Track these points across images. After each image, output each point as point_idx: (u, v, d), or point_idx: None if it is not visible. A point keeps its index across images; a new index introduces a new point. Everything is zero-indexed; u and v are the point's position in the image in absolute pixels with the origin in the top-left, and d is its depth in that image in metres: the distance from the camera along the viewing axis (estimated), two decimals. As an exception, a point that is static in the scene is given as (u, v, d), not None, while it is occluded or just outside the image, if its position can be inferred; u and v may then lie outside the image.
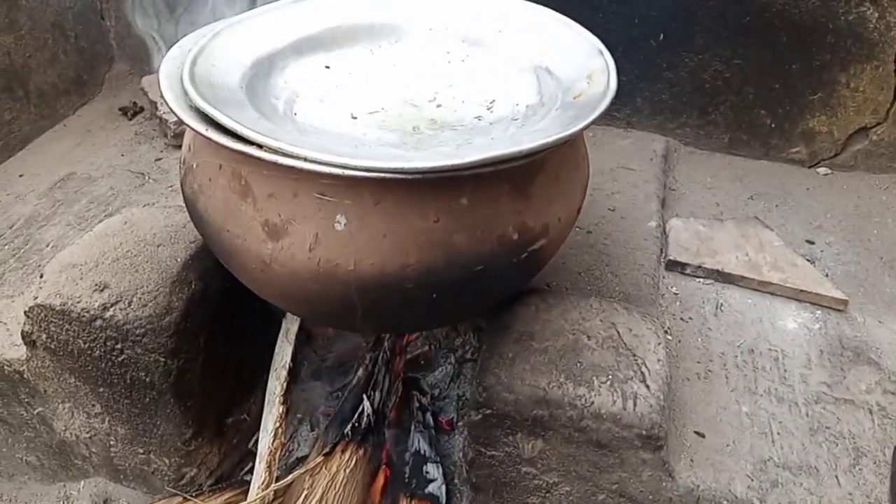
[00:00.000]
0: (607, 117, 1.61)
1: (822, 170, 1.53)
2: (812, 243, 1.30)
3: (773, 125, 1.51)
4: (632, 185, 1.39)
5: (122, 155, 1.52)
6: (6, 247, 1.24)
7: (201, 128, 0.72)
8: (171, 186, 1.39)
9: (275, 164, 0.69)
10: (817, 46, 1.40)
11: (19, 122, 1.54)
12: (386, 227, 0.74)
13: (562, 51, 0.96)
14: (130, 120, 1.66)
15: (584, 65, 0.91)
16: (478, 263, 0.77)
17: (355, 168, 0.67)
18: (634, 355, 0.86)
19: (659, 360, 0.86)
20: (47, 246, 1.24)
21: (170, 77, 0.80)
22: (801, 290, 1.14)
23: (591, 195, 1.31)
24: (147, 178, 1.43)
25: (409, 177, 0.69)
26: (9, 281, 1.16)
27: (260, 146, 0.69)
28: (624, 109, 1.59)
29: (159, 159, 1.50)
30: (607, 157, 1.48)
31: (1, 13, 1.45)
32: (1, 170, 1.48)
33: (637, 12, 1.46)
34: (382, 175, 0.68)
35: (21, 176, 1.46)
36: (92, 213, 1.32)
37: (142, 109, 1.68)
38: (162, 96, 0.77)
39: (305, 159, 0.68)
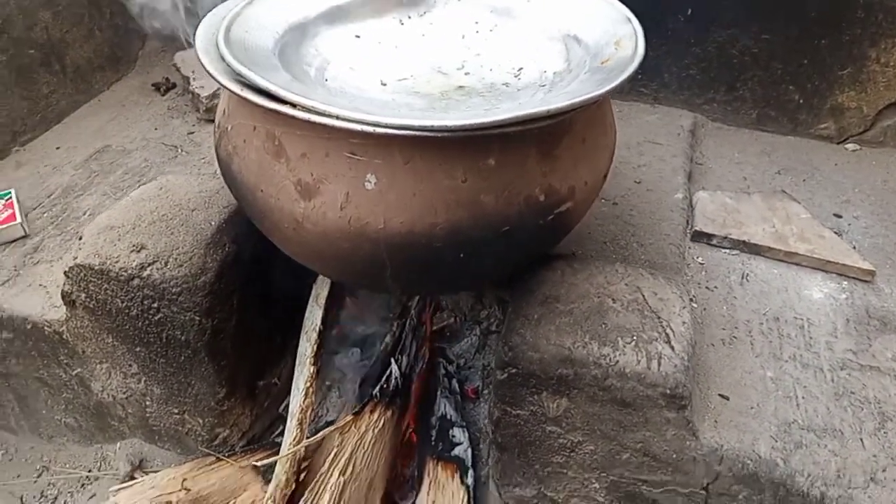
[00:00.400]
0: (634, 92, 1.61)
1: (850, 146, 1.52)
2: (839, 217, 1.29)
3: (801, 101, 1.50)
4: (658, 159, 1.39)
5: (156, 129, 1.55)
6: (45, 215, 1.28)
7: (237, 88, 0.74)
8: (203, 158, 1.42)
9: (308, 123, 0.71)
10: (847, 21, 1.38)
11: (56, 96, 1.58)
12: (415, 186, 0.75)
13: (590, 19, 0.97)
14: (163, 95, 1.69)
15: (612, 31, 0.91)
16: (504, 224, 0.79)
17: (386, 126, 0.69)
18: (659, 317, 0.87)
19: (684, 323, 0.87)
20: (84, 214, 1.27)
21: (205, 41, 0.82)
22: (828, 261, 1.14)
23: (617, 168, 1.32)
24: (180, 150, 1.46)
25: (438, 135, 0.70)
26: (48, 247, 1.20)
27: (293, 105, 0.71)
28: (651, 85, 1.59)
29: (191, 133, 1.53)
30: (634, 132, 1.48)
31: (40, -11, 1.49)
32: (39, 142, 1.52)
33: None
34: (412, 133, 0.69)
35: (58, 148, 1.49)
36: (127, 184, 1.35)
37: (174, 85, 1.71)
38: (198, 58, 0.79)
39: (337, 117, 0.69)
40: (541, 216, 0.82)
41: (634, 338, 0.84)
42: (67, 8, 1.57)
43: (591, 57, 0.89)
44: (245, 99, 0.73)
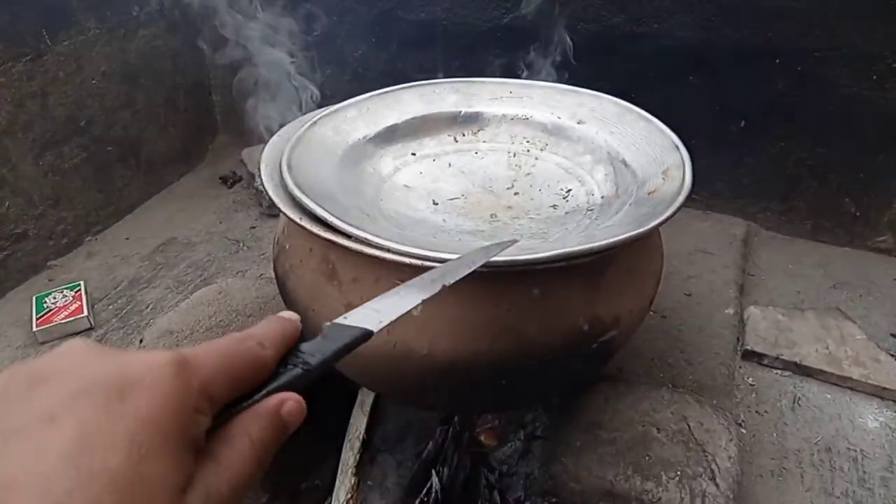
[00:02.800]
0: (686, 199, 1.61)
1: (910, 259, 1.49)
2: (897, 337, 1.26)
3: (857, 213, 1.49)
4: (710, 270, 1.39)
5: (220, 222, 1.62)
6: (110, 307, 1.34)
7: (295, 216, 0.78)
8: (262, 254, 1.48)
9: (360, 253, 0.74)
10: (904, 138, 1.38)
11: (129, 189, 1.67)
12: (459, 314, 0.77)
13: (639, 143, 0.99)
14: (230, 188, 1.77)
15: (660, 159, 0.93)
16: (548, 353, 0.80)
17: (433, 260, 0.71)
18: (705, 451, 0.86)
19: (730, 458, 0.86)
20: (147, 308, 1.33)
21: (270, 165, 0.87)
22: (884, 388, 1.11)
23: (668, 278, 1.32)
24: (242, 245, 1.52)
25: (483, 269, 0.72)
26: (110, 340, 1.25)
27: (348, 236, 0.75)
28: (703, 192, 1.60)
29: (254, 227, 1.59)
30: (686, 240, 1.48)
31: (122, 92, 1.60)
32: (110, 232, 1.60)
33: (720, 100, 1.48)
34: (459, 267, 0.71)
35: (127, 239, 1.58)
36: (189, 278, 1.41)
37: (240, 179, 1.79)
38: (262, 184, 0.84)
39: (388, 250, 0.72)
40: (584, 345, 0.82)
41: (678, 473, 0.83)
42: (145, 107, 1.68)
43: (638, 186, 0.91)
44: (302, 227, 0.77)
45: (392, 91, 1.12)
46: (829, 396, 1.12)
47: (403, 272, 0.78)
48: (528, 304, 0.78)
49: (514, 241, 0.73)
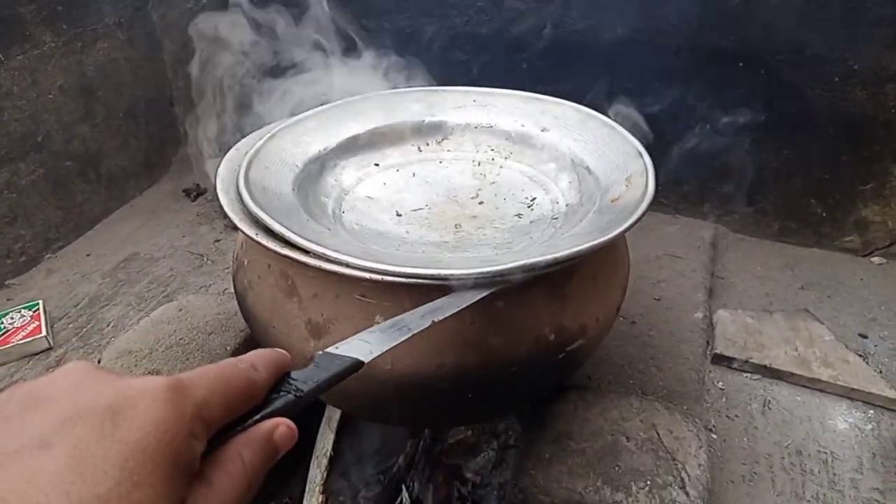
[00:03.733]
0: (653, 203, 1.61)
1: (876, 259, 1.50)
2: (865, 337, 1.27)
3: (824, 214, 1.50)
4: (678, 274, 1.39)
5: (184, 236, 1.59)
6: (70, 326, 1.30)
7: (252, 232, 0.76)
8: (227, 268, 1.45)
9: (319, 269, 0.72)
10: (867, 138, 1.39)
11: (90, 204, 1.63)
12: (423, 328, 0.76)
13: (602, 151, 0.98)
14: (193, 201, 1.74)
15: (623, 166, 0.92)
16: (513, 365, 0.78)
17: (393, 274, 0.70)
18: (674, 459, 0.85)
19: (700, 465, 0.85)
20: (108, 326, 1.30)
21: (225, 181, 0.85)
22: (853, 389, 1.11)
23: (637, 283, 1.32)
24: (205, 259, 1.50)
25: (445, 282, 0.71)
26: (70, 360, 1.22)
27: (306, 251, 0.73)
28: (671, 196, 1.60)
29: (218, 240, 1.57)
30: (654, 244, 1.48)
31: (80, 106, 1.56)
32: (70, 249, 1.57)
33: (685, 104, 1.48)
34: (419, 281, 0.70)
35: (88, 255, 1.54)
36: (151, 294, 1.38)
37: (204, 191, 1.76)
38: (218, 200, 0.82)
39: (347, 265, 0.71)
40: (551, 355, 0.81)
41: (648, 482, 0.82)
42: (105, 120, 1.65)
43: (602, 192, 0.90)
44: (259, 243, 0.75)
45: (353, 101, 1.10)
46: (799, 399, 1.12)
47: (365, 287, 0.76)
48: (493, 315, 0.77)
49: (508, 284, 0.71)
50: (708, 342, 1.22)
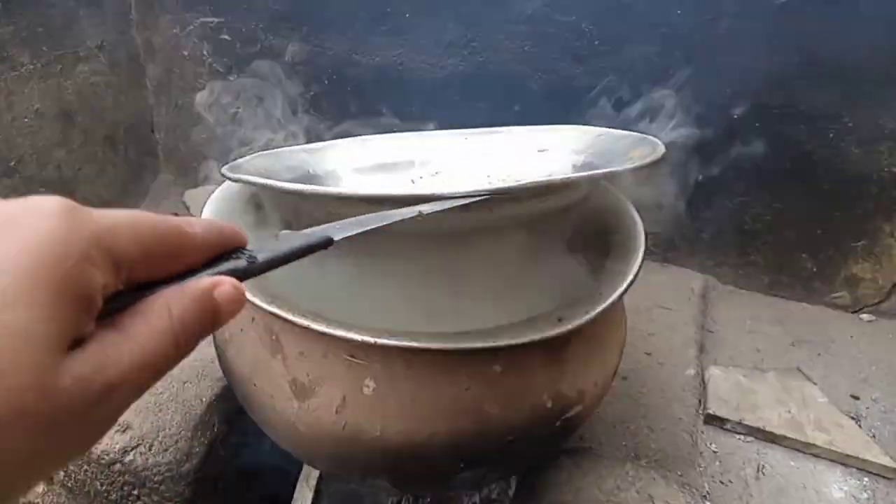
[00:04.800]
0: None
1: (865, 316, 1.48)
2: (857, 398, 1.24)
3: (814, 269, 1.48)
4: (669, 327, 1.35)
5: (159, 269, 1.53)
6: (35, 363, 1.24)
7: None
8: (203, 306, 1.39)
9: (306, 327, 0.68)
10: (860, 196, 1.38)
11: (63, 232, 1.57)
12: (415, 392, 0.71)
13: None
14: (170, 232, 1.68)
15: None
16: (509, 433, 0.74)
17: (385, 338, 0.66)
18: (672, 534, 0.81)
19: (698, 542, 0.81)
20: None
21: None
22: (848, 455, 1.08)
23: (628, 336, 1.28)
24: (181, 295, 1.44)
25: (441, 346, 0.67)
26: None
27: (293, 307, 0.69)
28: (661, 245, 1.57)
29: (194, 275, 1.51)
30: (643, 295, 1.45)
31: (56, 130, 1.51)
32: (40, 279, 1.50)
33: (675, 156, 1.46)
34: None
35: (58, 286, 1.47)
36: (123, 331, 1.32)
37: (182, 222, 1.70)
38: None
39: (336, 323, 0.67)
40: (548, 423, 0.77)
41: (646, 560, 0.78)
42: (82, 146, 1.59)
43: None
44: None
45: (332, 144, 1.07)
46: (793, 464, 1.09)
47: (355, 347, 0.72)
48: (489, 381, 0.73)
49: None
50: (700, 401, 1.18)
